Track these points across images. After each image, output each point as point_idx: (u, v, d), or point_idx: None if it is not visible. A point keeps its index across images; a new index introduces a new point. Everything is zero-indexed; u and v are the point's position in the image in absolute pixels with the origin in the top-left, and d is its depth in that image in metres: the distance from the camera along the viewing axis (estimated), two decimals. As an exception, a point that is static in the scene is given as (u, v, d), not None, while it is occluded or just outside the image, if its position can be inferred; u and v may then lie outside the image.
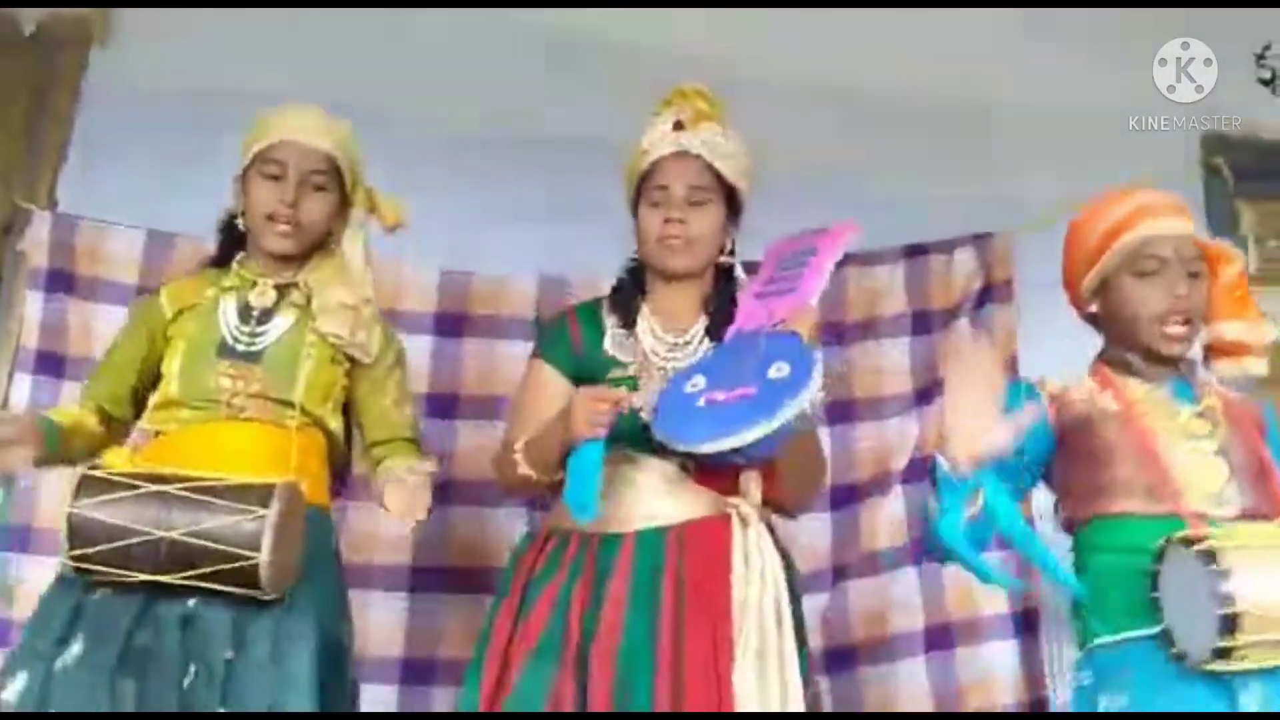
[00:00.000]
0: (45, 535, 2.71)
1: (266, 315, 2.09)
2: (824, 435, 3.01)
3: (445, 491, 2.92)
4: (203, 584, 1.88)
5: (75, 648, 1.88)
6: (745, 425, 1.81)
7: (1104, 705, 1.76)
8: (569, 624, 1.95)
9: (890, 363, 3.06)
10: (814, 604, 2.91)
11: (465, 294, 3.05)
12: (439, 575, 2.88)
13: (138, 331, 2.12)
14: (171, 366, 2.05)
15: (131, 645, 1.87)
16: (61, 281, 2.90)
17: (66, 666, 1.86)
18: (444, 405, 2.97)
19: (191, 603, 1.91)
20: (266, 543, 1.86)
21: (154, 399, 2.09)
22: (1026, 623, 2.88)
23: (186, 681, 1.87)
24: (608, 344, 2.11)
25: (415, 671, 2.81)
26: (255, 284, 2.11)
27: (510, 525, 2.88)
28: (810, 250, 2.03)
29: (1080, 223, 2.01)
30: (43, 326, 2.87)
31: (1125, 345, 1.93)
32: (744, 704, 1.86)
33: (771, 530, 2.06)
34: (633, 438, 2.00)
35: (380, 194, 2.20)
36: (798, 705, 1.90)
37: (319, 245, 2.14)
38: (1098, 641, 1.83)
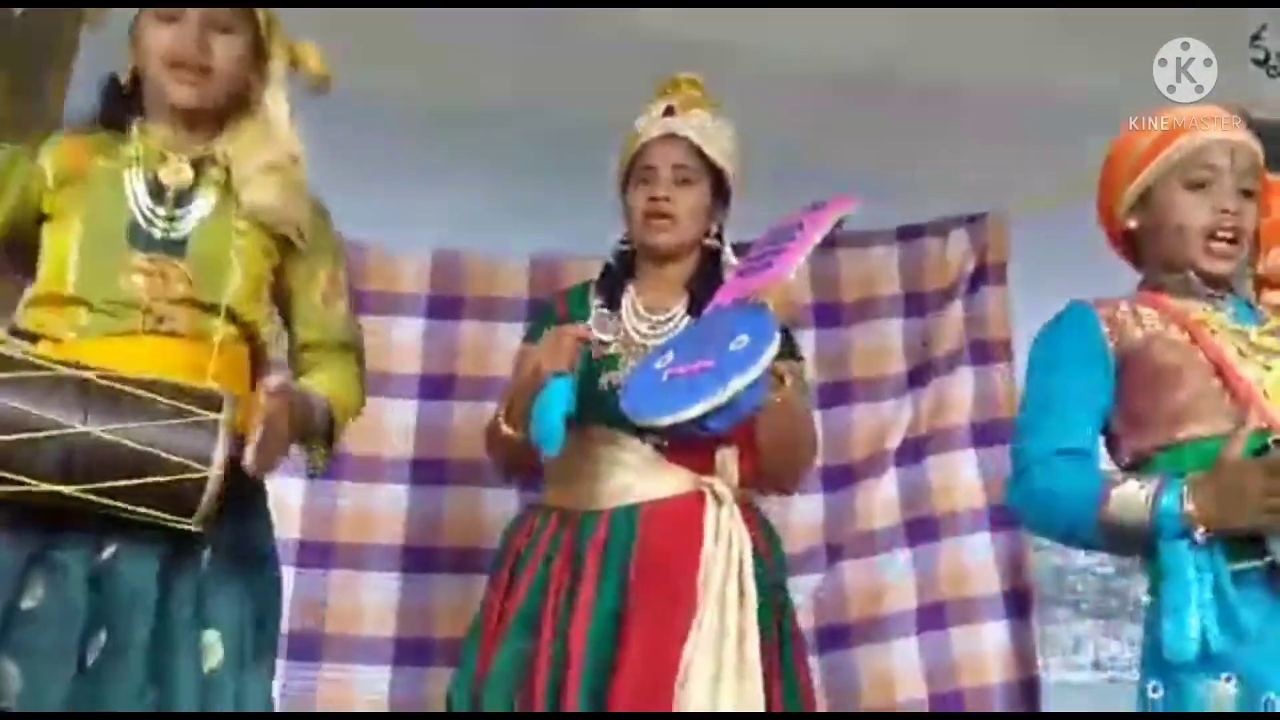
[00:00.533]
0: None
1: (184, 197, 1.68)
2: (817, 416, 3.04)
3: (439, 472, 2.94)
4: (123, 503, 1.48)
5: None
6: (697, 398, 1.82)
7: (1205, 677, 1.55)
8: (546, 599, 2.01)
9: (885, 344, 3.06)
10: (808, 583, 2.93)
11: (458, 275, 3.05)
12: (432, 555, 2.89)
13: (6, 190, 1.65)
14: (63, 253, 1.62)
15: (18, 608, 1.50)
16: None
17: None
18: (438, 387, 2.97)
19: (109, 552, 1.55)
20: (218, 454, 1.48)
21: (33, 291, 1.65)
22: (1018, 602, 2.90)
23: (91, 658, 1.52)
24: (592, 323, 2.15)
25: (409, 651, 2.82)
26: (164, 157, 1.70)
27: (504, 506, 2.88)
28: (797, 225, 2.05)
29: (1129, 134, 1.88)
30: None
31: (1166, 265, 1.79)
32: (689, 681, 1.90)
33: (754, 509, 2.10)
34: (611, 416, 2.02)
35: (303, 44, 1.83)
36: (754, 685, 1.93)
37: (235, 105, 1.75)
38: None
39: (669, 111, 2.17)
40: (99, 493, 1.47)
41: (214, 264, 1.66)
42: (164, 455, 1.48)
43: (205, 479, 1.48)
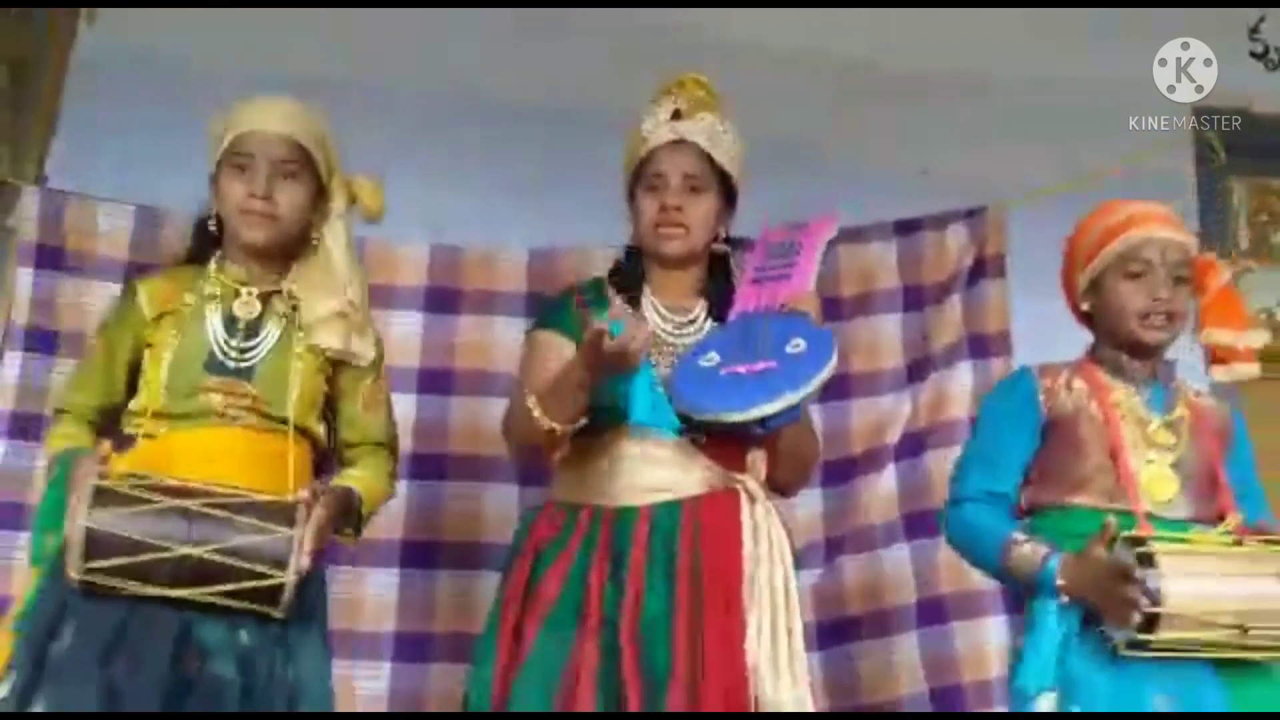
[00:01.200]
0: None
1: (253, 328, 2.04)
2: (817, 411, 3.04)
3: (439, 466, 2.93)
4: (220, 600, 1.86)
5: (66, 639, 1.85)
6: (772, 395, 1.93)
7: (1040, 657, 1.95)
8: (587, 594, 1.98)
9: (884, 338, 3.06)
10: (808, 579, 2.92)
11: (456, 268, 3.04)
12: (431, 550, 2.88)
13: (122, 339, 2.05)
14: (157, 376, 2.00)
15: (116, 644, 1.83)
16: (51, 257, 2.88)
17: (57, 666, 1.83)
18: (437, 381, 2.96)
19: (191, 619, 1.87)
20: (293, 563, 1.86)
21: (134, 404, 2.03)
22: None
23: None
24: (618, 319, 2.12)
25: (408, 647, 2.81)
26: (238, 293, 2.05)
27: (502, 501, 2.89)
28: (797, 242, 2.13)
29: (1081, 226, 2.19)
30: (33, 303, 2.85)
31: (1112, 341, 2.11)
32: (759, 679, 1.91)
33: (778, 509, 2.10)
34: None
35: (360, 182, 2.14)
36: (805, 682, 1.95)
37: (299, 241, 2.08)
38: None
39: (676, 115, 2.15)
40: (201, 594, 1.86)
41: (277, 384, 2.01)
42: (252, 567, 1.85)
43: (284, 584, 1.87)
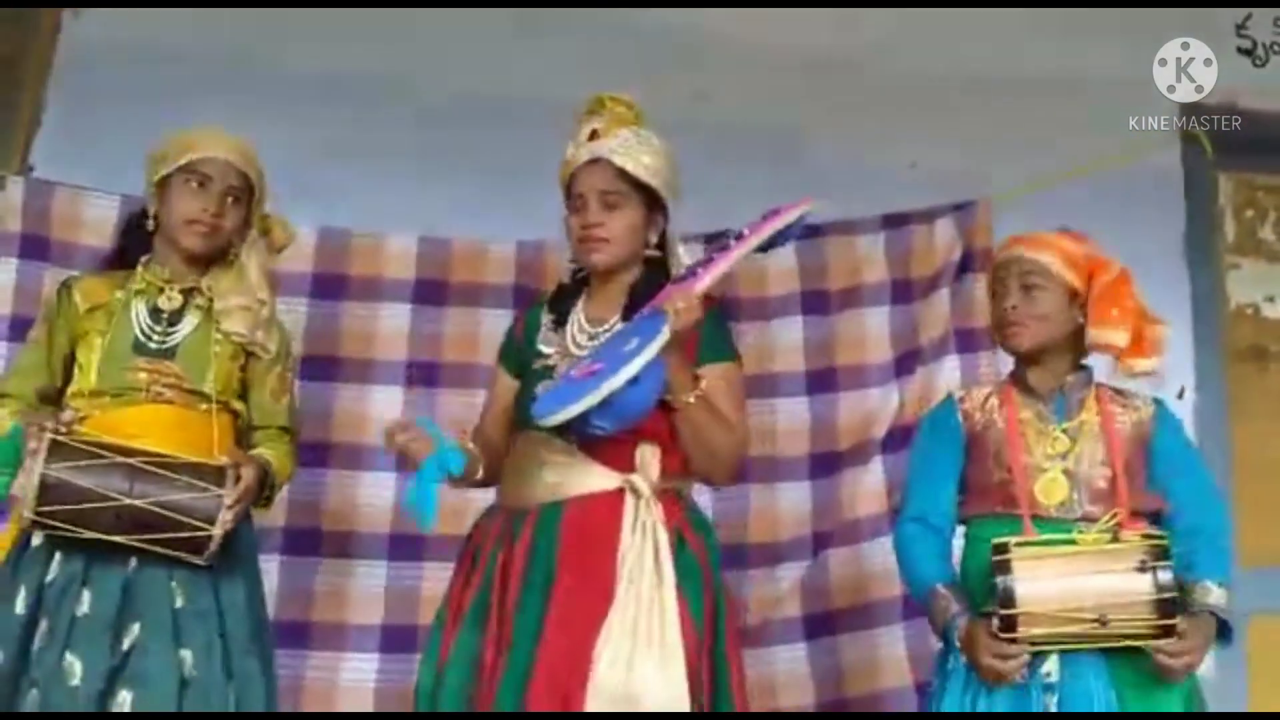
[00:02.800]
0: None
1: (175, 317, 2.32)
2: (804, 403, 3.05)
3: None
4: (151, 547, 2.12)
5: (42, 625, 2.12)
6: (579, 397, 1.98)
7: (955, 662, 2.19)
8: (491, 595, 2.11)
9: (871, 332, 3.07)
10: (795, 572, 2.94)
11: (444, 261, 3.04)
12: (418, 543, 2.88)
13: (59, 330, 2.32)
14: (90, 360, 2.27)
15: (75, 617, 2.12)
16: (36, 247, 2.87)
17: (39, 647, 2.10)
18: (425, 373, 2.97)
19: (131, 565, 2.16)
20: (220, 518, 2.13)
21: (71, 388, 2.29)
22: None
23: (128, 642, 2.12)
24: (539, 339, 2.26)
25: (396, 639, 2.82)
26: (162, 289, 2.33)
27: (485, 496, 2.88)
28: (740, 234, 2.16)
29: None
30: (17, 292, 2.84)
31: (1014, 361, 2.33)
32: (600, 664, 1.97)
33: (682, 500, 2.18)
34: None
35: (274, 218, 2.43)
36: (677, 669, 1.99)
37: (221, 253, 2.38)
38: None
39: (593, 135, 2.23)
40: (140, 540, 2.12)
41: (196, 362, 2.29)
42: (184, 519, 2.12)
43: (211, 536, 2.14)
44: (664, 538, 2.07)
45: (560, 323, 2.25)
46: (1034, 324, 2.24)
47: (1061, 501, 2.18)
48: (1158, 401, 2.30)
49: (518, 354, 2.29)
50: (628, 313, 2.19)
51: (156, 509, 2.10)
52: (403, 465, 2.88)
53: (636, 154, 2.21)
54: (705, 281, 2.08)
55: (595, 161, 2.21)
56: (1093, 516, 2.15)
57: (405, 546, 2.88)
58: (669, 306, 2.04)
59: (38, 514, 2.08)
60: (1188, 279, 3.40)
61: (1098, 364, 2.31)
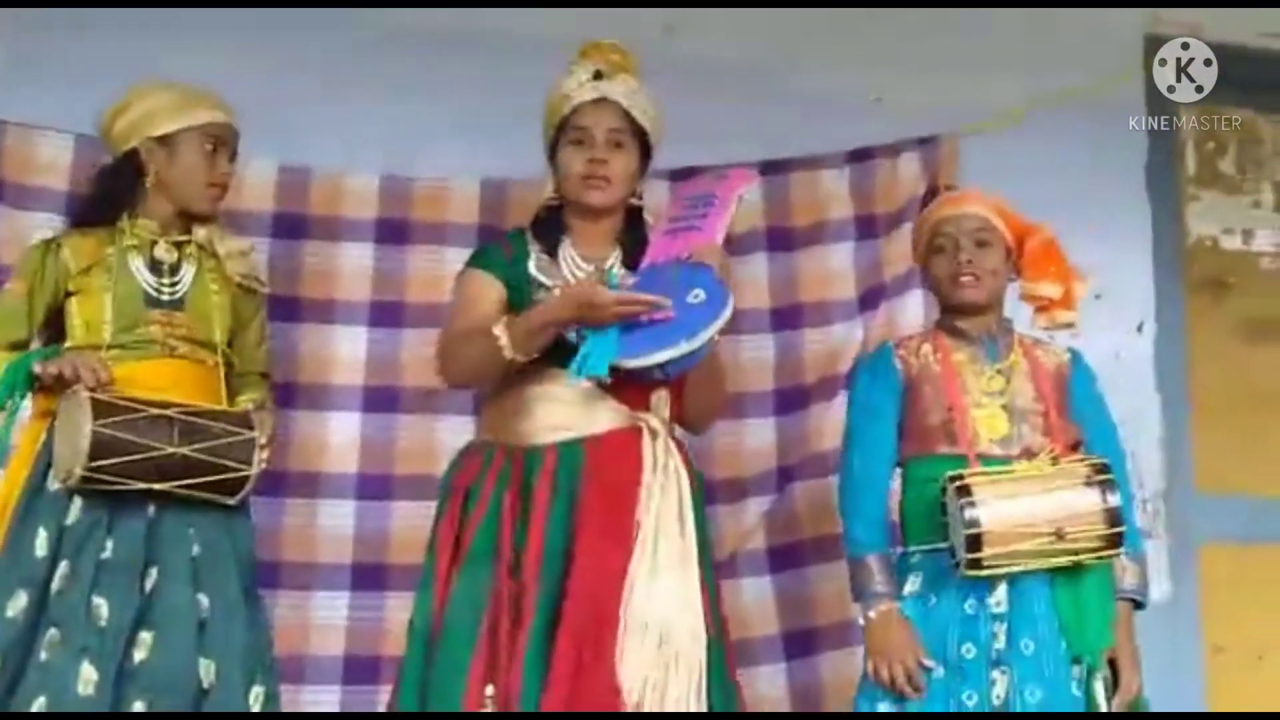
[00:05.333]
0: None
1: (174, 268, 2.36)
2: (769, 340, 3.06)
3: (392, 400, 2.93)
4: (193, 492, 2.22)
5: (62, 567, 2.17)
6: (667, 344, 2.04)
7: (906, 590, 2.31)
8: (500, 532, 2.12)
9: (836, 268, 3.08)
10: (761, 505, 2.97)
11: (407, 200, 3.01)
12: (385, 482, 2.89)
13: (44, 287, 2.33)
14: (97, 316, 2.30)
15: (100, 560, 2.18)
16: (-12, 189, 2.83)
17: (58, 589, 2.16)
18: (389, 314, 2.95)
19: (150, 511, 2.22)
20: (255, 458, 2.25)
21: (72, 343, 2.31)
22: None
23: (148, 585, 2.19)
24: (532, 267, 2.25)
25: (365, 577, 2.84)
26: (155, 242, 2.36)
27: (456, 433, 2.88)
28: (712, 195, 2.24)
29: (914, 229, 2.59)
30: (-29, 234, 2.80)
31: (944, 307, 2.45)
32: (634, 595, 2.03)
33: (682, 445, 2.22)
34: (553, 355, 2.14)
35: None
36: (696, 603, 2.07)
37: None
38: (910, 549, 2.35)
39: (598, 75, 2.25)
40: (182, 486, 2.22)
41: (203, 314, 2.36)
42: (223, 462, 2.23)
43: (248, 476, 2.26)
44: (686, 482, 2.14)
45: (549, 254, 2.26)
46: (987, 277, 2.38)
47: (1005, 436, 2.31)
48: (1073, 350, 2.47)
49: (506, 267, 2.26)
50: (627, 256, 2.25)
51: (199, 455, 2.20)
52: (369, 406, 2.90)
53: (641, 102, 2.27)
54: (719, 237, 2.16)
55: (602, 101, 2.24)
56: (1031, 450, 2.29)
57: (373, 485, 2.88)
58: (709, 259, 2.11)
59: (90, 470, 2.14)
60: (1148, 211, 3.43)
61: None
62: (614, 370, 2.07)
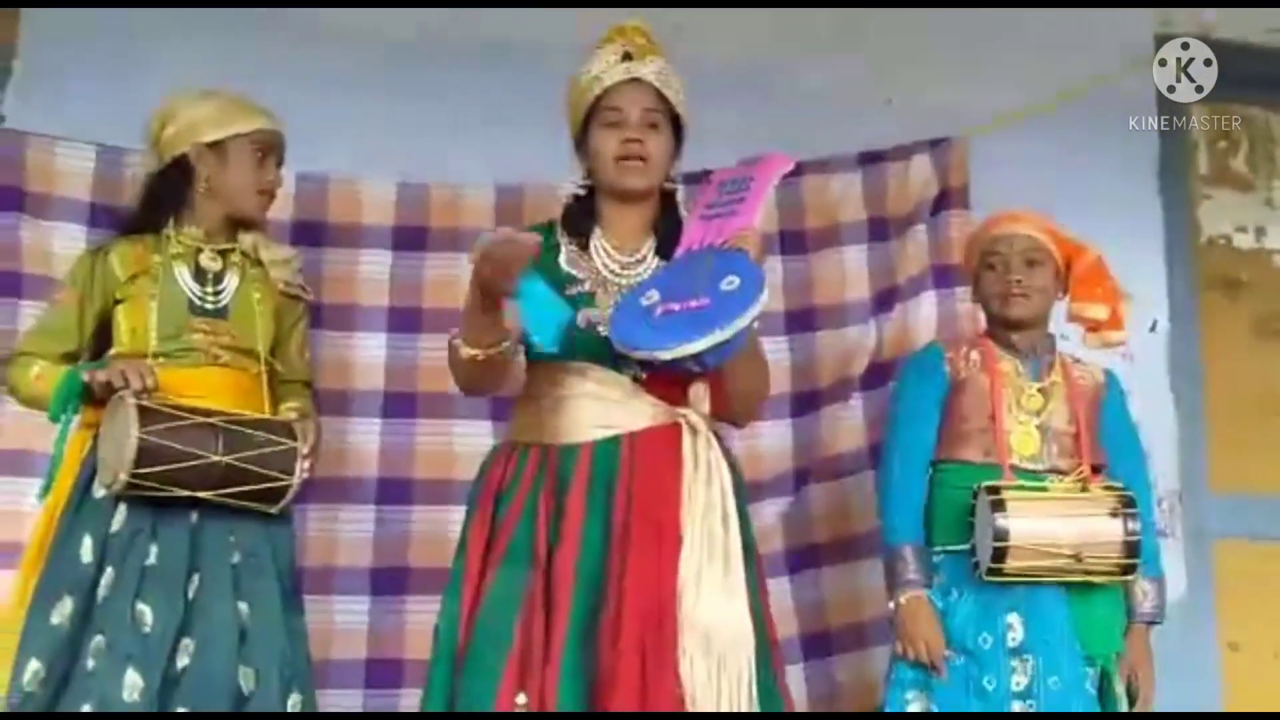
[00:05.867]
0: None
1: (218, 277, 2.38)
2: (784, 343, 3.07)
3: (410, 405, 2.95)
4: (236, 501, 2.23)
5: (107, 574, 2.18)
6: (701, 333, 1.94)
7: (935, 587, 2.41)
8: (536, 532, 2.05)
9: (849, 270, 3.09)
10: (777, 508, 2.98)
11: (423, 206, 3.03)
12: (405, 487, 2.91)
13: (93, 296, 2.35)
14: (143, 324, 2.31)
15: (145, 567, 2.19)
16: (12, 199, 2.85)
17: (105, 595, 2.17)
18: (406, 320, 2.97)
19: (193, 519, 2.23)
20: (298, 468, 2.26)
21: (117, 350, 2.34)
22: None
23: (190, 592, 2.20)
24: (563, 260, 2.18)
25: (386, 582, 2.86)
26: (200, 250, 2.38)
27: (474, 437, 2.91)
28: (748, 178, 2.15)
29: (965, 243, 2.73)
30: (-4, 245, 2.83)
31: (993, 321, 2.55)
32: (685, 599, 1.96)
33: (722, 441, 2.14)
34: (586, 350, 2.08)
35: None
36: (741, 604, 2.00)
37: None
38: (934, 548, 2.45)
39: (627, 56, 2.18)
40: (225, 495, 2.22)
41: (246, 322, 2.37)
42: (266, 471, 2.24)
43: (289, 486, 2.27)
44: (729, 481, 2.06)
45: (581, 246, 2.19)
46: (1036, 296, 2.49)
47: (1033, 454, 2.41)
48: (1109, 373, 2.57)
49: (534, 264, 2.08)
50: (662, 244, 2.17)
51: (242, 464, 2.20)
52: (387, 412, 2.92)
53: (673, 83, 2.21)
54: (755, 222, 2.08)
55: (635, 81, 2.17)
56: (1059, 469, 2.41)
57: (392, 490, 2.90)
58: (746, 245, 2.03)
59: (135, 477, 2.14)
60: (1160, 210, 3.43)
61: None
62: (648, 364, 2.01)
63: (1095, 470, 2.42)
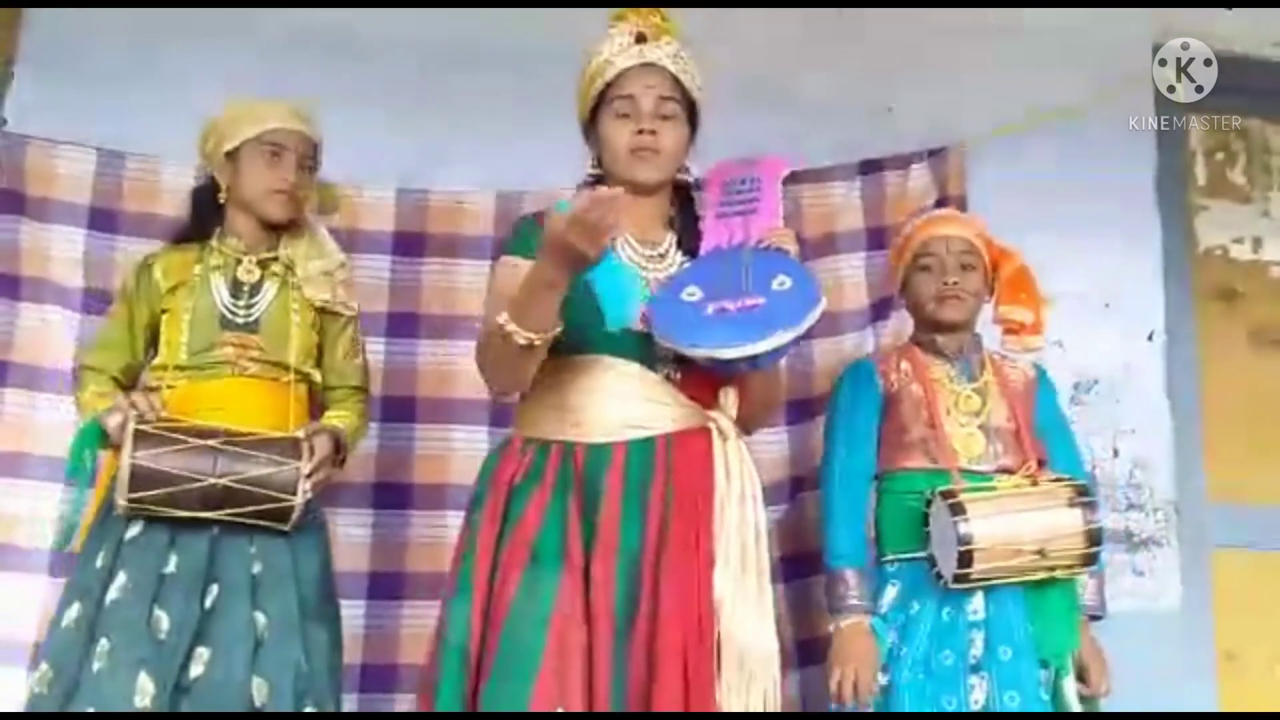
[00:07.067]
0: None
1: (255, 289, 2.40)
2: (782, 351, 3.07)
3: (408, 410, 2.96)
4: (238, 519, 2.22)
5: (119, 579, 2.19)
6: (762, 333, 1.90)
7: (885, 599, 2.37)
8: (568, 535, 1.95)
9: (847, 279, 3.10)
10: (772, 515, 2.96)
11: (423, 213, 3.04)
12: (402, 492, 2.91)
13: (141, 308, 2.39)
14: (177, 336, 2.34)
15: (163, 575, 2.20)
16: (12, 202, 2.86)
17: (114, 599, 2.18)
18: (404, 325, 2.98)
19: (214, 531, 2.24)
20: (300, 488, 2.23)
21: (156, 361, 2.38)
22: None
23: (208, 602, 2.21)
24: None
25: (382, 586, 2.86)
26: (239, 261, 2.40)
27: (471, 442, 2.92)
28: (753, 177, 2.09)
29: (892, 245, 2.68)
30: (-5, 248, 2.84)
31: (923, 326, 2.53)
32: (723, 615, 1.91)
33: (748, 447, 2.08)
34: (616, 345, 2.00)
35: (326, 185, 2.54)
36: (771, 623, 1.96)
37: (292, 221, 2.46)
38: (887, 558, 2.42)
39: (640, 38, 2.07)
40: (227, 515, 2.22)
41: (279, 335, 2.37)
42: (268, 492, 2.23)
43: (293, 505, 2.25)
44: (759, 490, 2.01)
45: None
46: (970, 299, 2.48)
47: (979, 454, 2.40)
48: (1038, 367, 2.58)
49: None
50: (683, 240, 2.10)
51: (240, 485, 2.20)
52: (385, 417, 2.92)
53: (687, 67, 2.09)
54: (780, 220, 2.04)
55: (648, 66, 2.05)
56: (1006, 467, 2.39)
57: (391, 495, 2.90)
58: (784, 244, 1.99)
59: (130, 500, 2.17)
60: (1158, 221, 3.43)
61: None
62: (685, 360, 1.95)
63: (1040, 465, 2.41)
